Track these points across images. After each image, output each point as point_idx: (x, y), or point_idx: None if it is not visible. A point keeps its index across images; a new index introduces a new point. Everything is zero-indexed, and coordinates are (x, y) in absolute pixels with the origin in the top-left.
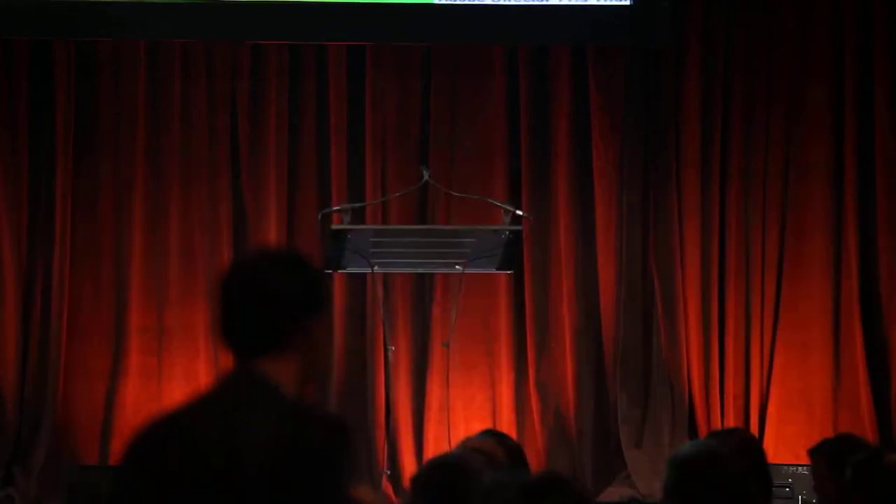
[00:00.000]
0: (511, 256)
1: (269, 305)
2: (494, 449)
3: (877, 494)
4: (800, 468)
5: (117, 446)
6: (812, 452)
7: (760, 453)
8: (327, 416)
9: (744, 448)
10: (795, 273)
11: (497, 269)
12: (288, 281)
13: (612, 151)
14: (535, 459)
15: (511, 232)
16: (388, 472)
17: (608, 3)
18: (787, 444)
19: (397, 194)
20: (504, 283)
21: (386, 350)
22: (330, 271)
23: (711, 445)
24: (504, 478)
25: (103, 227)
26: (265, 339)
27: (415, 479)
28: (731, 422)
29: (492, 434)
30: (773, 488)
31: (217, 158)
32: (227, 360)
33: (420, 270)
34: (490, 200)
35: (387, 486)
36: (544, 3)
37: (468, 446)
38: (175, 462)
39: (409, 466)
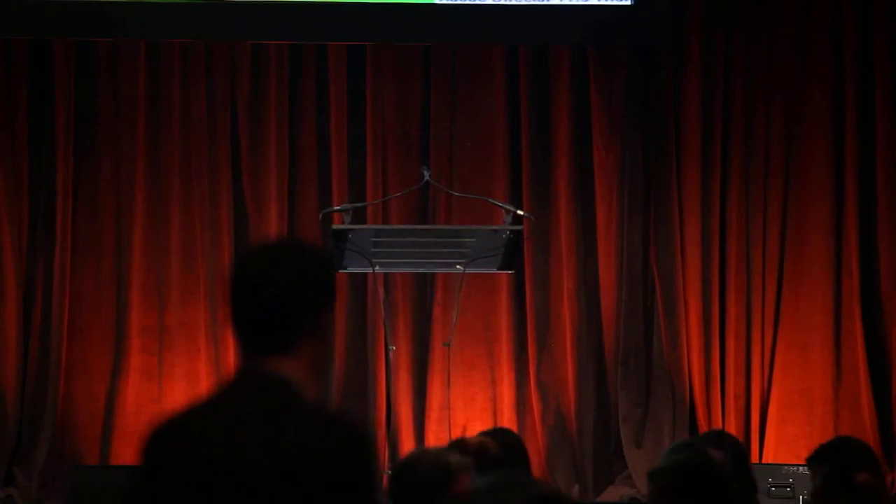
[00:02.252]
0: (512, 256)
1: (286, 299)
2: (488, 445)
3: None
4: (800, 468)
5: (118, 446)
6: (810, 461)
7: (744, 454)
8: (349, 426)
9: (729, 449)
10: (796, 273)
11: (498, 268)
12: (303, 272)
13: (613, 151)
14: (536, 459)
15: (512, 232)
16: (390, 472)
17: (608, 3)
18: (787, 444)
19: (398, 194)
20: (505, 282)
21: (387, 350)
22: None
23: (696, 453)
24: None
25: (104, 226)
26: (281, 336)
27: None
28: (732, 421)
29: (489, 432)
30: (774, 488)
31: (217, 158)
32: (227, 360)
33: (421, 270)
34: (491, 200)
35: (387, 486)
36: (544, 3)
37: (459, 443)
38: (182, 464)
39: None
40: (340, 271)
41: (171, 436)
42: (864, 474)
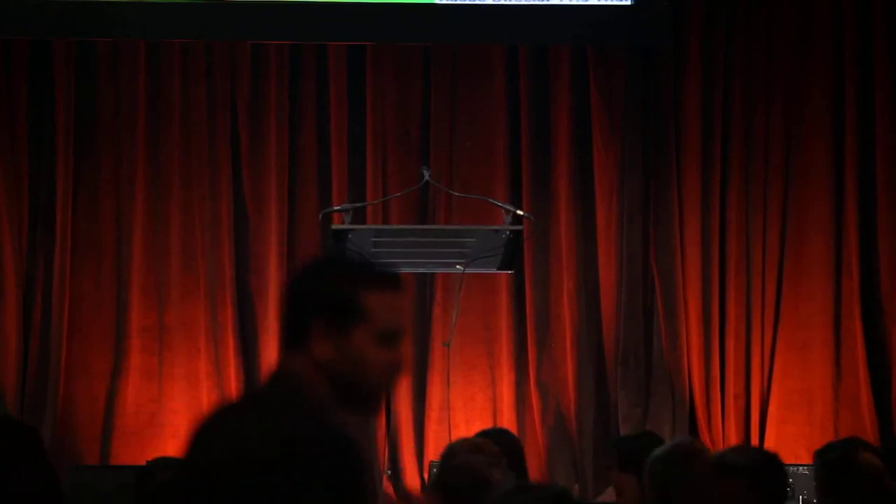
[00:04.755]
0: (511, 256)
1: (286, 297)
2: (491, 448)
3: (850, 494)
4: (800, 468)
5: (118, 446)
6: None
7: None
8: (294, 437)
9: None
10: (796, 273)
11: (498, 268)
12: (309, 279)
13: (613, 151)
14: (536, 459)
15: (511, 232)
16: (389, 472)
17: (608, 2)
18: (787, 444)
19: (398, 194)
20: (505, 282)
21: None
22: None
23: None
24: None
25: (104, 226)
26: (283, 332)
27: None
28: (732, 421)
29: (487, 432)
30: None
31: (217, 158)
32: (227, 360)
33: (421, 270)
34: (490, 200)
35: (387, 486)
36: (544, 3)
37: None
38: (184, 458)
39: (409, 466)
40: None
41: (193, 431)
42: (867, 454)
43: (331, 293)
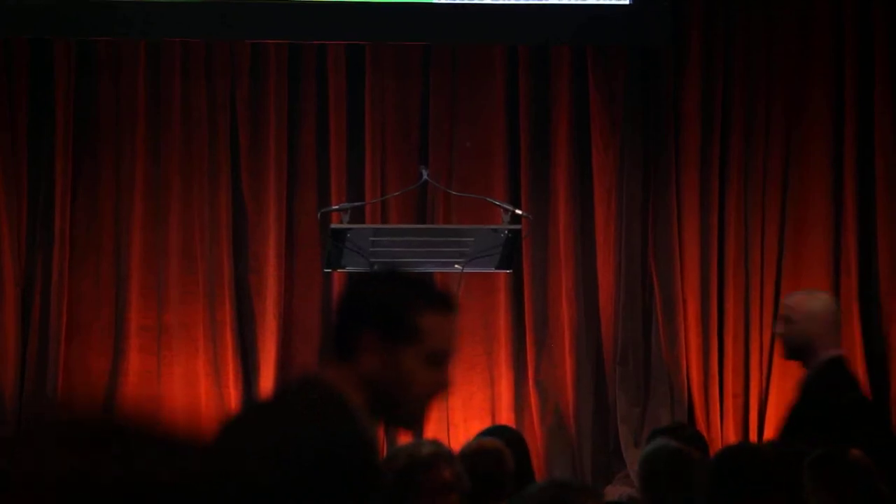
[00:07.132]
0: (510, 255)
1: (339, 307)
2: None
3: (840, 491)
4: None
5: None
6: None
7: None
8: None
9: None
10: (795, 272)
11: (496, 268)
12: (366, 292)
13: (612, 151)
14: (535, 459)
15: (510, 231)
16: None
17: (608, 2)
18: None
19: (397, 193)
20: (503, 282)
21: None
22: (329, 269)
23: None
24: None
25: (103, 226)
26: (328, 341)
27: None
28: (730, 420)
29: (490, 430)
30: None
31: (217, 158)
32: (226, 360)
33: (419, 270)
34: (489, 200)
35: None
36: (544, 3)
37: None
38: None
39: None
40: (339, 270)
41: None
42: (857, 451)
43: (388, 309)
